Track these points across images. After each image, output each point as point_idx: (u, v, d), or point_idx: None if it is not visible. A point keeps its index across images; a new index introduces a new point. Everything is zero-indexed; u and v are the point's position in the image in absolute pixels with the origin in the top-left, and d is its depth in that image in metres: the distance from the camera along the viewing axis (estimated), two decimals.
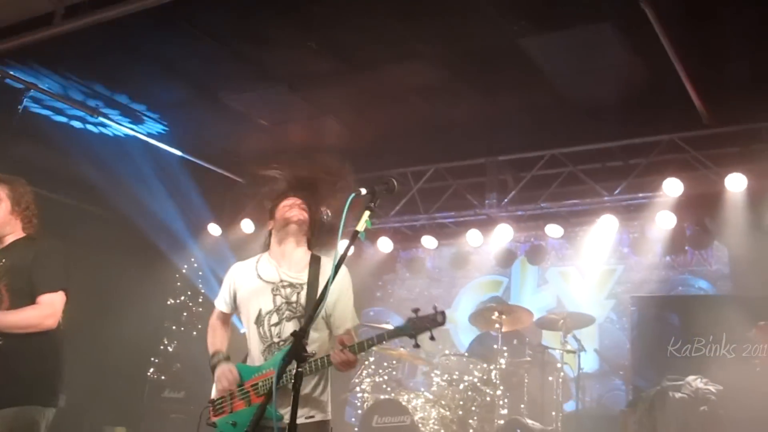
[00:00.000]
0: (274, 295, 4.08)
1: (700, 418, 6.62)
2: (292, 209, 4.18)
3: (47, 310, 4.36)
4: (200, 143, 9.71)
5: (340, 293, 4.10)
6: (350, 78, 7.94)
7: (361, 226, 3.30)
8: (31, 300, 4.35)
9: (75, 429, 9.79)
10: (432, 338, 3.57)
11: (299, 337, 2.99)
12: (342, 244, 3.35)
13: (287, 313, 4.01)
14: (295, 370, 2.97)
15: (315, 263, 4.17)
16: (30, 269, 4.40)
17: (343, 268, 3.96)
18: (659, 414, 6.83)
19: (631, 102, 7.97)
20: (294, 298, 4.03)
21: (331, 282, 3.12)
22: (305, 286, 4.05)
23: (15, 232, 4.63)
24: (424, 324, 3.61)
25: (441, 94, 8.19)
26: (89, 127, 8.93)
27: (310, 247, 4.24)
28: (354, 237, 3.29)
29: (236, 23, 7.12)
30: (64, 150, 9.45)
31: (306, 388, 3.94)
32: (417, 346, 3.61)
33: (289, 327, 3.95)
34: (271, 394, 3.01)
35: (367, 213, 3.35)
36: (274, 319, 4.03)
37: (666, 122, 8.38)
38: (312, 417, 3.91)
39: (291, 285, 4.08)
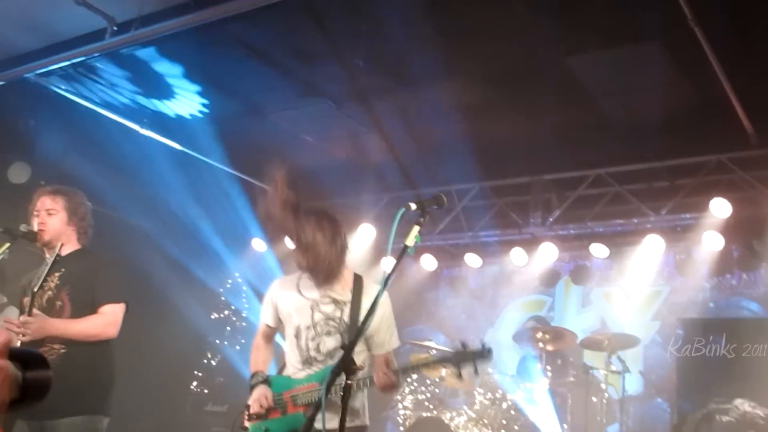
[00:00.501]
0: (314, 311, 4.16)
1: None
2: None
3: (110, 318, 4.49)
4: (246, 158, 9.80)
5: (383, 314, 4.17)
6: (395, 95, 7.99)
7: (410, 241, 3.32)
8: (91, 310, 4.48)
9: None
10: (476, 372, 3.63)
11: (349, 350, 3.01)
12: (389, 260, 3.39)
13: (327, 328, 4.08)
14: (343, 383, 2.99)
15: (358, 282, 4.25)
16: (92, 280, 4.51)
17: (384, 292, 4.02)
18: None
19: (678, 122, 7.88)
20: (337, 314, 4.10)
21: (381, 295, 3.15)
22: (349, 303, 4.11)
23: (71, 242, 4.74)
24: (470, 358, 3.68)
25: (485, 112, 8.17)
26: (136, 141, 9.04)
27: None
28: (403, 251, 3.31)
29: (283, 40, 7.21)
30: (110, 163, 9.63)
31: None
32: (460, 376, 3.68)
33: (328, 342, 4.05)
34: (318, 406, 3.04)
35: (416, 228, 3.36)
36: (312, 334, 4.11)
37: (713, 142, 8.27)
38: (353, 421, 3.99)
39: (334, 301, 4.14)
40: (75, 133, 8.86)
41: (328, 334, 4.09)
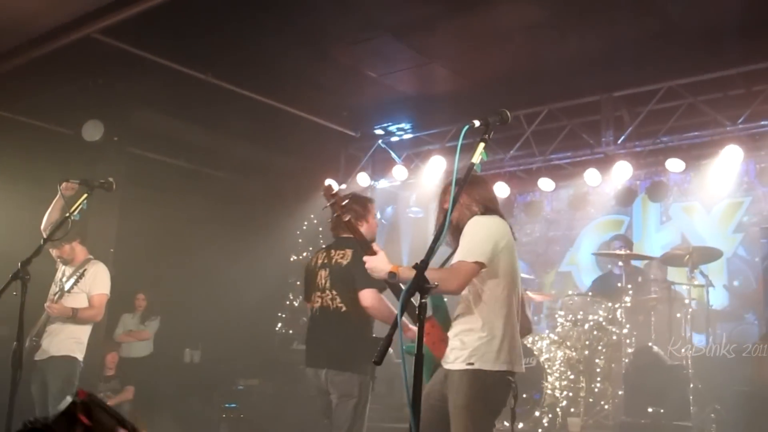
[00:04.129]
0: None
1: None
2: None
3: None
4: (312, 99, 9.83)
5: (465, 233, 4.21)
6: (454, 21, 7.86)
7: (476, 158, 3.30)
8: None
9: (211, 383, 10.25)
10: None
11: (421, 270, 3.03)
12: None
13: None
14: (419, 302, 3.02)
15: None
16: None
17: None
18: None
19: (750, 25, 7.56)
20: None
21: (451, 210, 3.15)
22: None
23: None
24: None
25: (549, 32, 7.97)
26: (205, 89, 9.11)
27: None
28: (470, 169, 3.29)
29: None
30: (181, 114, 9.79)
31: (456, 328, 4.17)
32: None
33: None
34: (395, 325, 3.06)
35: (481, 145, 3.33)
36: None
37: None
38: (472, 364, 4.00)
39: None
40: (144, 87, 9.00)
41: None
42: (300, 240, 11.80)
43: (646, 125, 9.09)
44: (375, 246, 4.22)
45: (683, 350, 7.87)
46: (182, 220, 10.71)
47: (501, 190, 10.34)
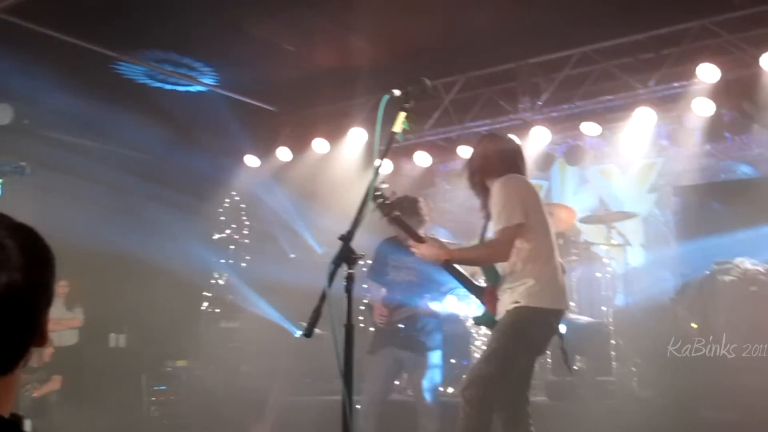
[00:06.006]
0: None
1: (751, 298, 6.64)
2: None
3: None
4: (229, 75, 9.71)
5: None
6: None
7: (397, 127, 3.33)
8: None
9: (137, 366, 10.12)
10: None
11: (347, 240, 3.05)
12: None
13: None
14: (347, 273, 3.04)
15: None
16: None
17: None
18: (709, 298, 6.87)
19: None
20: None
21: (374, 182, 3.17)
22: None
23: None
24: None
25: (464, 0, 8.06)
26: (114, 69, 8.93)
27: None
28: (391, 138, 3.32)
29: None
30: (91, 95, 9.54)
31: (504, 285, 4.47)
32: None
33: None
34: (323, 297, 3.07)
35: (402, 114, 3.37)
36: None
37: (696, 7, 8.18)
38: (517, 302, 4.33)
39: None
40: (55, 68, 8.73)
41: None
42: (222, 218, 11.70)
43: (562, 91, 9.27)
44: (422, 234, 4.54)
45: (603, 308, 8.11)
46: (100, 203, 10.47)
47: (422, 159, 10.43)
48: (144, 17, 8.08)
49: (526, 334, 4.27)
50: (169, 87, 9.47)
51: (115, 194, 10.49)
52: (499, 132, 7.32)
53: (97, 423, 8.58)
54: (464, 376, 4.45)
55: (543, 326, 4.33)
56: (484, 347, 7.86)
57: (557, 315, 4.36)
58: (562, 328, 6.60)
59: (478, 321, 4.67)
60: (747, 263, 6.78)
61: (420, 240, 4.46)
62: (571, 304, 8.10)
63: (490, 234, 4.49)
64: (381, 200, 4.69)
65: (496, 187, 4.37)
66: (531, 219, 4.36)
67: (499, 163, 4.54)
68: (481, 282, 4.72)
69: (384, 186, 4.68)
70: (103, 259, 10.30)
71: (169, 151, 11.17)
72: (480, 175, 4.58)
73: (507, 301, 4.35)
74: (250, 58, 9.30)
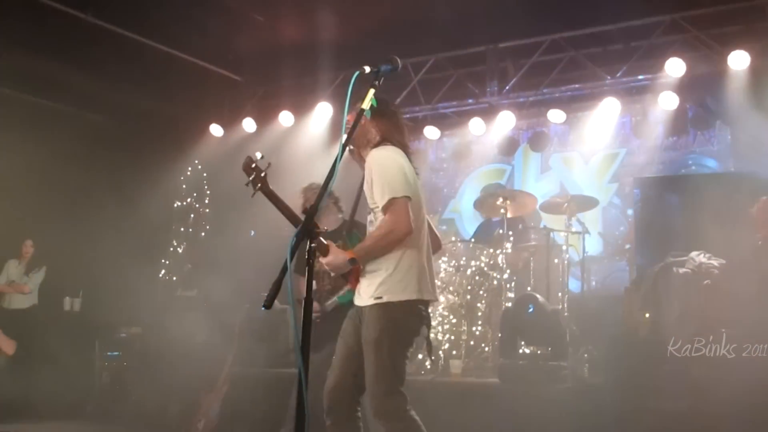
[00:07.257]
0: None
1: (703, 291, 6.72)
2: None
3: None
4: (195, 42, 9.59)
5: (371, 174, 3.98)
6: None
7: (366, 104, 3.33)
8: None
9: (91, 331, 10.02)
10: None
11: (311, 214, 3.04)
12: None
13: None
14: (308, 247, 3.04)
15: None
16: None
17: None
18: (663, 289, 6.94)
19: None
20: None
21: (339, 160, 3.12)
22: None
23: None
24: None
25: None
26: (83, 29, 8.76)
27: None
28: (360, 114, 3.31)
29: None
30: (58, 55, 9.38)
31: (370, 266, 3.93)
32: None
33: None
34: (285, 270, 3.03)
35: (371, 91, 3.37)
36: None
37: (667, 2, 8.27)
38: (380, 298, 3.87)
39: None
40: (17, 26, 8.57)
41: None
42: (184, 186, 11.59)
43: (530, 77, 9.32)
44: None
45: (560, 294, 8.19)
46: (61, 165, 10.30)
47: None
48: None
49: (398, 331, 3.90)
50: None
51: (75, 157, 10.33)
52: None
53: (47, 388, 8.49)
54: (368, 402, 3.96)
55: (414, 317, 3.93)
56: (441, 327, 7.93)
57: (426, 304, 3.96)
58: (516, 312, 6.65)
59: (343, 301, 4.31)
60: (702, 257, 6.86)
61: (296, 219, 4.05)
62: (528, 288, 8.21)
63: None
64: (254, 173, 4.10)
65: (376, 157, 3.96)
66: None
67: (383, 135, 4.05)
68: None
69: (259, 157, 4.14)
70: (63, 220, 10.18)
71: (134, 115, 11.05)
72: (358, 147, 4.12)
73: (367, 288, 3.96)
74: (219, 24, 9.20)
